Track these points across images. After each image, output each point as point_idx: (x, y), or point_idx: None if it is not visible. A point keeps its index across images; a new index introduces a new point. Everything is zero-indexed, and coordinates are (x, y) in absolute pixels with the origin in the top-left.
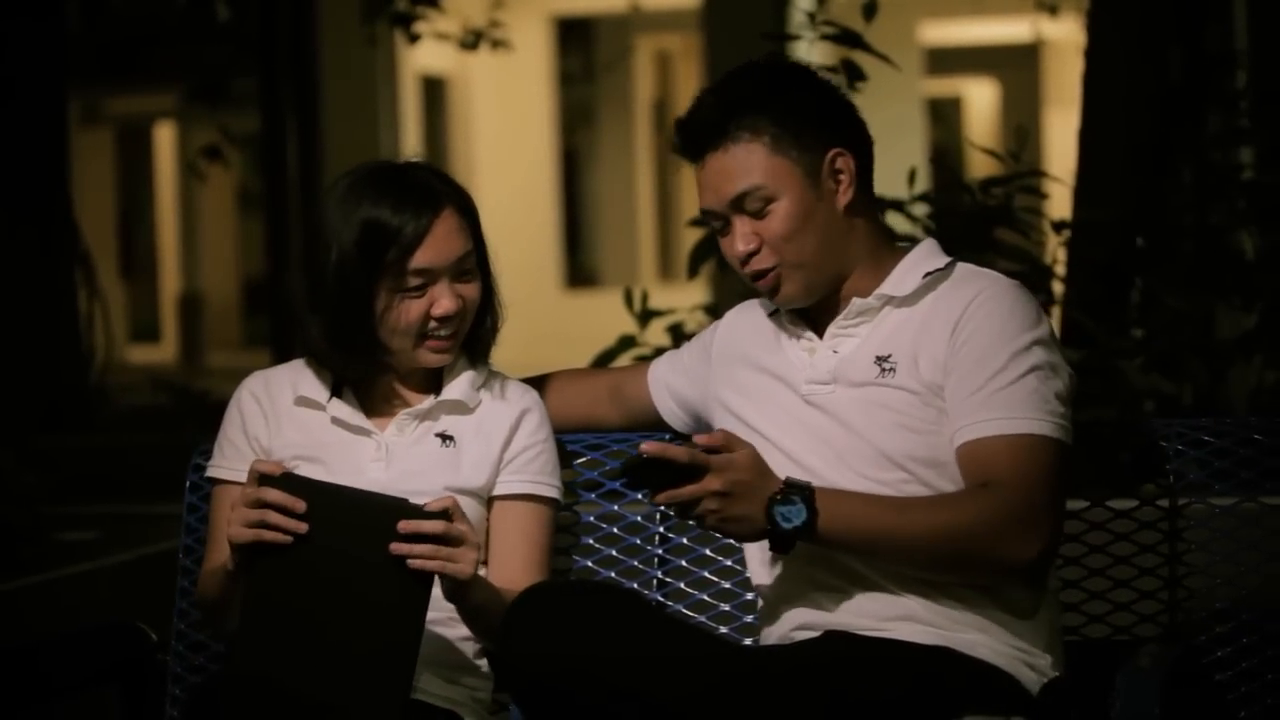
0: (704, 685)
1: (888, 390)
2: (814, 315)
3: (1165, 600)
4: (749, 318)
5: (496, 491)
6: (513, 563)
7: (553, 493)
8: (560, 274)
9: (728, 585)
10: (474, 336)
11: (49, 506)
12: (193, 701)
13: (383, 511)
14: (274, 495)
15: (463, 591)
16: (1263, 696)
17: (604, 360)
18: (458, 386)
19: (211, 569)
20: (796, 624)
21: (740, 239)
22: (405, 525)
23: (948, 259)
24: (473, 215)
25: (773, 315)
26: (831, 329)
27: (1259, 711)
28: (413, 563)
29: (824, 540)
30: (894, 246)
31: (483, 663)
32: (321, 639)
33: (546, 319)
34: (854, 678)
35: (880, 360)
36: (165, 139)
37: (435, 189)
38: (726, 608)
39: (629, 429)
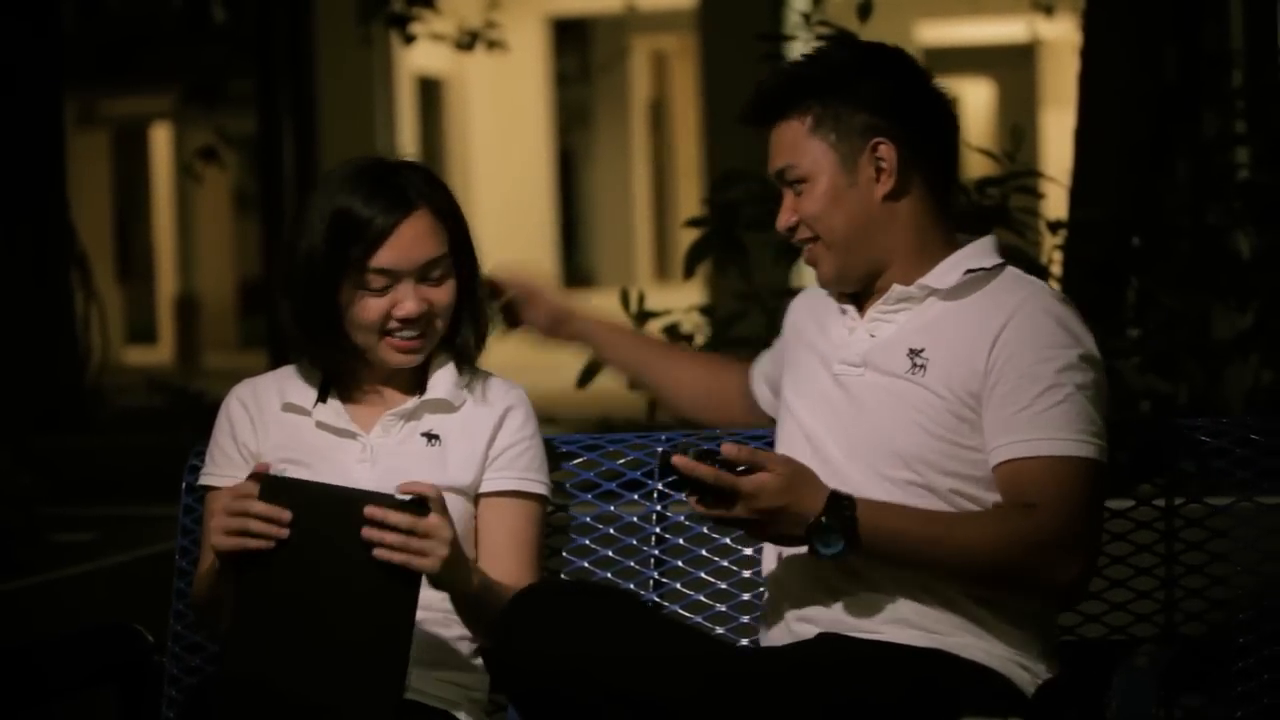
0: (699, 686)
1: (914, 388)
2: (860, 298)
3: (1162, 600)
4: (812, 296)
5: (483, 489)
6: (502, 559)
7: (540, 489)
8: (557, 274)
9: (724, 586)
10: (455, 340)
11: (45, 508)
12: (189, 702)
13: (360, 504)
14: (258, 506)
15: (443, 583)
16: (1259, 696)
17: (599, 362)
18: (441, 385)
19: (204, 573)
20: (794, 619)
21: (782, 212)
22: (371, 512)
23: (998, 260)
24: (453, 220)
25: (828, 294)
26: (871, 312)
27: (1256, 711)
28: (377, 552)
29: (864, 556)
30: (950, 240)
31: (478, 662)
32: (313, 638)
33: None
34: (850, 679)
35: (914, 353)
36: (161, 140)
37: (410, 190)
38: (723, 608)
39: (752, 424)
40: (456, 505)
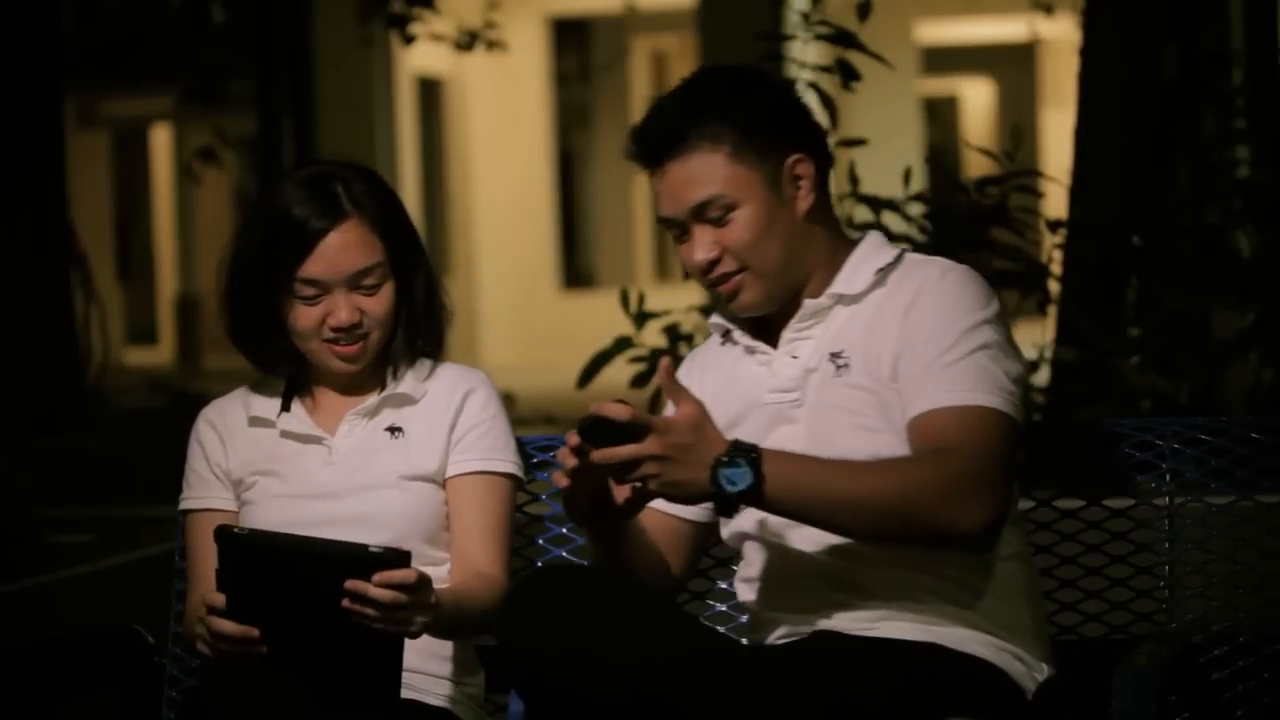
0: (706, 681)
1: (845, 390)
2: (767, 323)
3: (1162, 599)
4: (696, 363)
5: (449, 473)
6: (473, 540)
7: (508, 468)
8: (557, 275)
9: (722, 586)
10: (389, 347)
11: (45, 509)
12: (189, 704)
13: (336, 565)
14: (228, 628)
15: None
16: (1260, 695)
17: (600, 362)
18: (403, 381)
19: (194, 609)
20: (783, 635)
21: (700, 247)
22: (351, 585)
23: (895, 251)
24: (390, 227)
25: (722, 344)
26: (786, 334)
27: (1256, 710)
28: (357, 619)
29: (770, 504)
30: (847, 241)
31: (475, 660)
32: (311, 645)
33: (543, 320)
34: (852, 676)
35: (834, 357)
36: (161, 141)
37: (345, 198)
38: (721, 608)
39: (692, 560)
40: (424, 493)
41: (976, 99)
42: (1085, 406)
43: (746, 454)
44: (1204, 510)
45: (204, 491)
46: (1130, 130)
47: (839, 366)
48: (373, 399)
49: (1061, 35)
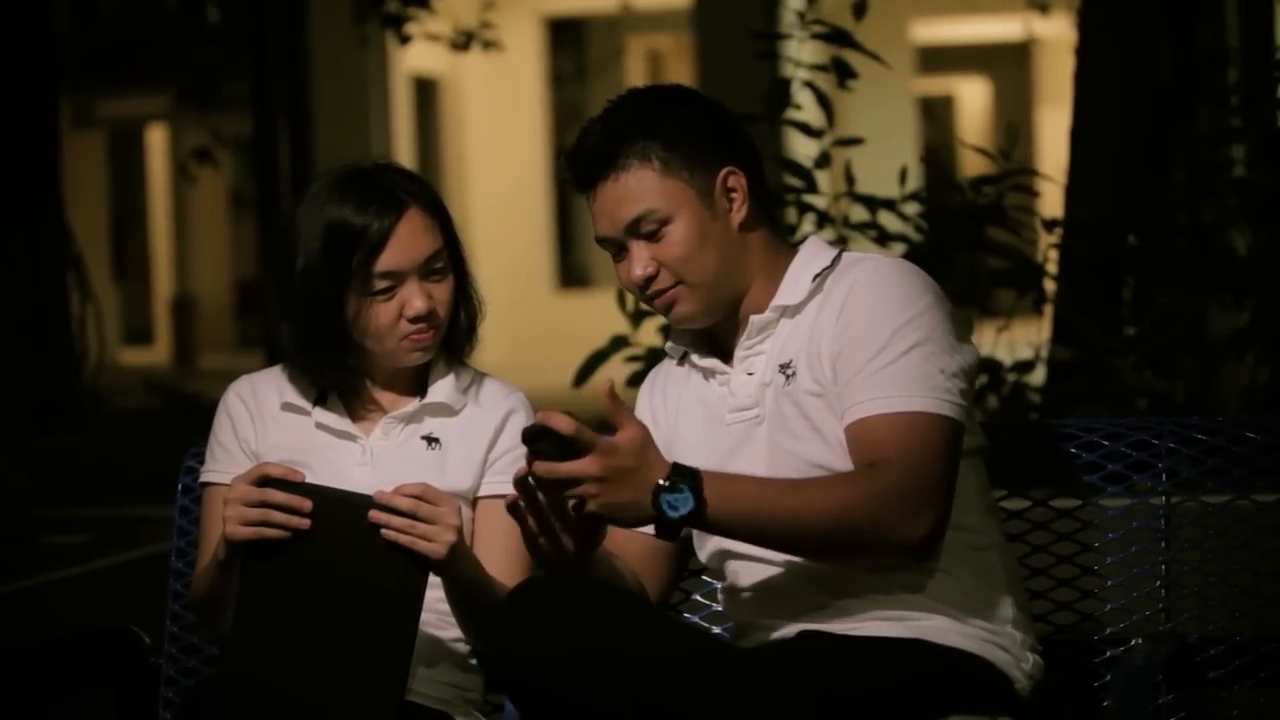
0: (699, 683)
1: (796, 398)
2: (721, 343)
3: (1158, 598)
4: (662, 381)
5: (481, 492)
6: (497, 560)
7: None
8: (553, 274)
9: (718, 585)
10: (450, 335)
11: (41, 509)
12: (186, 704)
13: (365, 506)
14: (279, 496)
15: (444, 568)
16: (1256, 694)
17: (595, 361)
18: (442, 389)
19: (205, 570)
20: (767, 640)
21: (638, 264)
22: (379, 496)
23: (832, 253)
24: (441, 213)
25: (680, 365)
26: (738, 353)
27: (1252, 709)
28: (385, 533)
29: (712, 526)
30: (788, 250)
31: (474, 663)
32: (315, 640)
33: (539, 319)
34: (844, 677)
35: (783, 368)
36: (157, 141)
37: (398, 190)
38: (718, 607)
39: (675, 575)
40: None
41: (972, 98)
42: (1081, 405)
43: (687, 478)
44: (1200, 509)
45: (229, 466)
46: (1126, 129)
47: (788, 376)
48: (412, 405)
49: (1057, 34)
